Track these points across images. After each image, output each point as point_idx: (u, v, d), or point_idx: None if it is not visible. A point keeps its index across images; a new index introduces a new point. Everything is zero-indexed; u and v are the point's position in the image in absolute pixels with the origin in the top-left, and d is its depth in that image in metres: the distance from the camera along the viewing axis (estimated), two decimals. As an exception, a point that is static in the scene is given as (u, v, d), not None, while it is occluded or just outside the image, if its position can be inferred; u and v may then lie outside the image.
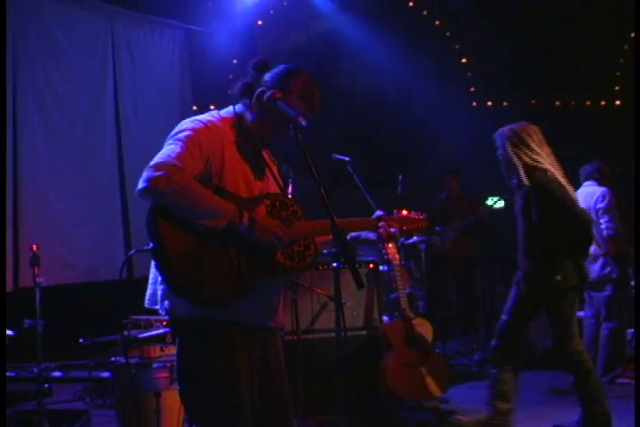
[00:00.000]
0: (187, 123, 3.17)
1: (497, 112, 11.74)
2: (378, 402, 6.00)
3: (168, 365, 4.64)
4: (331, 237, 3.26)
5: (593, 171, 7.31)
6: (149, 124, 9.75)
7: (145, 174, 2.95)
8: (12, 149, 8.27)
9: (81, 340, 5.52)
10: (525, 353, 7.80)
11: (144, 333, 4.92)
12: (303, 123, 3.15)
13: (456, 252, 8.84)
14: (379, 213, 3.56)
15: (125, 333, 4.88)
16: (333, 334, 4.87)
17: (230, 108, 3.33)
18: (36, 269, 4.43)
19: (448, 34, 11.64)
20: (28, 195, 8.41)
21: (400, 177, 7.72)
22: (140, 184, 2.94)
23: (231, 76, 10.13)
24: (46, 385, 4.53)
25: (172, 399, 4.77)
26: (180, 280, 2.96)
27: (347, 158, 6.33)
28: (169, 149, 3.03)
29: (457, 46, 11.71)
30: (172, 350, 4.93)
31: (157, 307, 3.28)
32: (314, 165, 3.12)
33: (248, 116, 3.29)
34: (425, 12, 11.52)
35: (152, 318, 5.20)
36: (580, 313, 7.58)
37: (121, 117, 9.45)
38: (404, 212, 3.62)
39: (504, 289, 9.15)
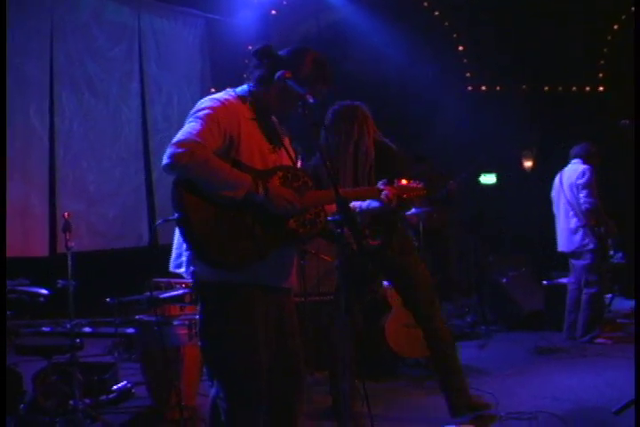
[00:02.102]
0: (205, 101, 3.14)
1: (490, 96, 11.68)
2: (377, 359, 6.00)
3: (187, 322, 4.64)
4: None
5: (580, 150, 7.28)
6: (172, 105, 9.75)
7: (169, 151, 2.93)
8: (48, 126, 8.30)
9: (108, 299, 5.53)
10: (512, 315, 7.90)
11: (165, 293, 4.91)
12: (311, 100, 3.13)
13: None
14: (381, 183, 3.54)
15: (148, 293, 4.87)
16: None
17: (245, 86, 3.30)
18: (67, 234, 4.42)
19: (447, 24, 11.52)
20: (63, 167, 8.44)
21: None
22: (165, 160, 2.93)
23: (246, 61, 10.05)
24: (78, 340, 4.53)
25: (191, 353, 4.80)
26: (203, 247, 2.97)
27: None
28: (190, 127, 3.01)
29: (454, 35, 11.60)
30: (191, 309, 4.96)
31: (182, 271, 3.28)
32: (320, 140, 3.10)
33: (262, 93, 3.26)
34: (426, 4, 11.41)
35: (173, 280, 5.19)
36: (564, 280, 7.60)
37: (146, 98, 9.42)
38: (404, 181, 3.60)
39: (494, 258, 9.20)
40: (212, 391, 3.18)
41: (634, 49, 6.26)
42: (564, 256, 7.40)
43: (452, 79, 11.32)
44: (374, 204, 3.54)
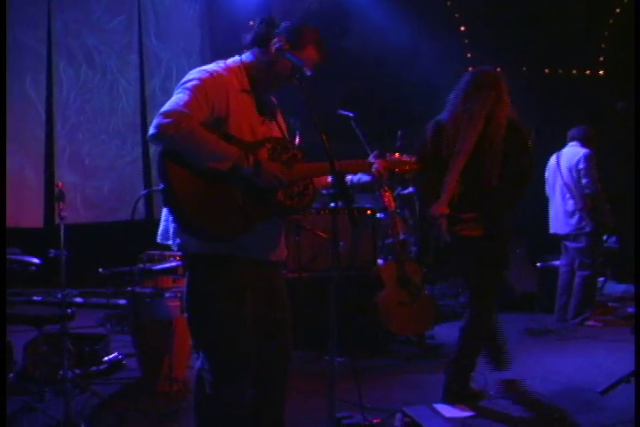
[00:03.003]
0: (193, 73, 3.10)
1: (490, 77, 11.59)
2: (369, 336, 6.01)
3: (179, 295, 4.62)
4: (327, 179, 3.30)
5: (579, 133, 7.24)
6: (171, 78, 9.68)
7: (155, 121, 2.91)
8: (45, 97, 8.24)
9: (100, 270, 5.51)
10: (505, 296, 7.88)
11: (158, 265, 4.89)
12: (308, 72, 3.10)
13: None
14: (372, 156, 3.51)
15: (141, 265, 4.85)
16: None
17: (237, 57, 3.26)
18: (60, 204, 4.39)
19: (449, 3, 11.44)
20: (60, 140, 8.39)
21: (399, 132, 7.66)
22: (151, 130, 2.90)
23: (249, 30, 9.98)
24: (69, 310, 4.51)
25: (182, 326, 4.76)
26: (188, 218, 2.94)
27: (350, 114, 6.28)
28: (177, 98, 2.98)
29: (457, 15, 11.51)
30: (183, 281, 4.94)
31: (169, 242, 3.26)
32: (315, 112, 3.08)
33: (255, 64, 3.21)
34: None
35: (166, 253, 5.17)
36: (556, 262, 7.60)
37: (145, 71, 9.36)
38: (397, 155, 3.57)
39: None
40: (197, 363, 3.17)
41: (634, 34, 6.22)
42: (557, 238, 7.38)
43: (452, 59, 11.25)
44: (365, 177, 3.51)
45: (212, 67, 3.14)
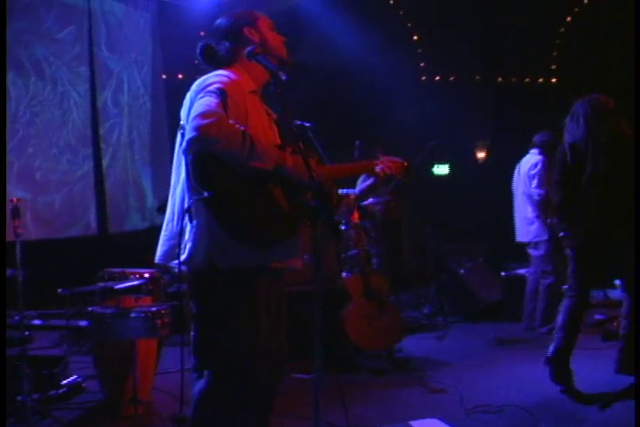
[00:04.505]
0: (211, 77, 2.97)
1: (444, 86, 11.63)
2: (336, 351, 5.83)
3: (143, 315, 4.40)
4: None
5: (539, 140, 7.16)
6: (122, 90, 9.46)
7: (192, 124, 2.75)
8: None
9: (59, 290, 5.23)
10: (470, 306, 7.79)
11: (120, 284, 4.68)
12: (283, 77, 2.95)
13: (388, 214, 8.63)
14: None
15: (102, 284, 4.63)
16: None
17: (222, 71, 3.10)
18: (16, 221, 4.15)
19: (401, 13, 11.41)
20: (7, 154, 8.05)
21: (357, 142, 7.57)
22: (191, 133, 2.74)
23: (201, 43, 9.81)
24: (27, 332, 4.27)
25: (146, 346, 4.59)
26: (239, 223, 2.81)
27: (307, 124, 6.14)
28: (206, 100, 2.83)
29: (409, 24, 11.49)
30: (147, 300, 4.73)
31: (171, 263, 3.06)
32: (293, 119, 2.96)
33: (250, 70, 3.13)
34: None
35: (127, 270, 4.96)
36: (522, 270, 7.53)
37: (96, 83, 9.07)
38: (387, 158, 3.45)
39: (450, 247, 9.11)
40: (200, 384, 3.00)
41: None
42: (521, 246, 7.32)
43: (406, 68, 11.24)
44: (364, 184, 3.41)
45: (224, 72, 3.03)
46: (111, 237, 8.93)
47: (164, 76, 10.31)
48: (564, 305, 5.18)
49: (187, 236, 2.97)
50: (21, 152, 8.16)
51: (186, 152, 2.83)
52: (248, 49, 3.05)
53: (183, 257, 2.97)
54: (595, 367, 5.50)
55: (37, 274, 4.92)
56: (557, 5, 11.34)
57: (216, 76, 2.97)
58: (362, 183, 3.47)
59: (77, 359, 5.72)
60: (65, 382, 5.09)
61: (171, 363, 5.49)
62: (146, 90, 9.94)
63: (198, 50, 3.19)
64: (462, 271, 8.00)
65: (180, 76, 10.27)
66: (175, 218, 3.07)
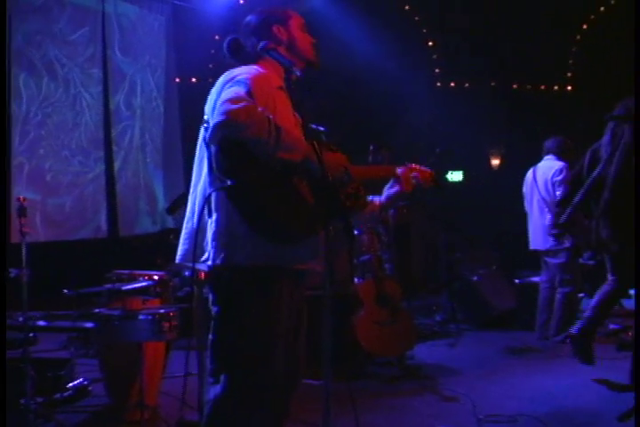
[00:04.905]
0: (240, 69, 2.88)
1: (459, 92, 11.52)
2: (347, 358, 5.71)
3: (151, 317, 4.30)
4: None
5: (554, 146, 7.03)
6: (135, 93, 9.41)
7: (222, 108, 2.63)
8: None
9: (65, 291, 5.12)
10: (483, 314, 7.66)
11: (127, 285, 4.57)
12: (297, 73, 2.85)
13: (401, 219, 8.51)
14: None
15: (109, 285, 4.53)
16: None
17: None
18: (22, 219, 4.06)
19: (417, 18, 11.32)
20: (18, 155, 7.99)
21: (371, 147, 7.47)
22: (218, 117, 2.63)
23: (213, 51, 9.80)
24: (31, 334, 4.17)
25: (153, 349, 4.48)
26: (262, 215, 2.70)
27: (321, 128, 6.05)
28: (236, 88, 2.73)
29: (424, 30, 11.40)
30: (155, 302, 4.63)
31: (192, 263, 2.96)
32: (307, 115, 2.87)
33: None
34: (396, -2, 11.20)
35: (136, 272, 4.86)
36: (536, 278, 7.38)
37: (109, 85, 9.02)
38: (414, 165, 3.32)
39: (463, 255, 8.97)
40: (215, 390, 2.88)
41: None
42: (535, 254, 7.18)
43: (420, 75, 11.14)
44: (391, 191, 3.28)
45: (253, 66, 2.93)
46: (121, 239, 8.85)
47: (177, 80, 10.24)
48: (602, 288, 5.31)
49: (208, 233, 2.86)
50: (32, 153, 8.11)
51: (211, 140, 2.70)
52: (261, 44, 2.95)
53: (204, 256, 2.87)
54: (609, 378, 5.35)
55: (45, 275, 4.84)
56: (574, 13, 11.23)
57: (244, 68, 2.88)
58: (388, 189, 3.33)
59: (84, 362, 5.60)
60: (70, 385, 4.99)
61: (178, 367, 5.38)
62: (159, 93, 9.88)
63: (225, 44, 3.08)
64: (475, 278, 7.86)
65: (194, 80, 10.19)
66: (195, 215, 2.95)
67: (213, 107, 2.74)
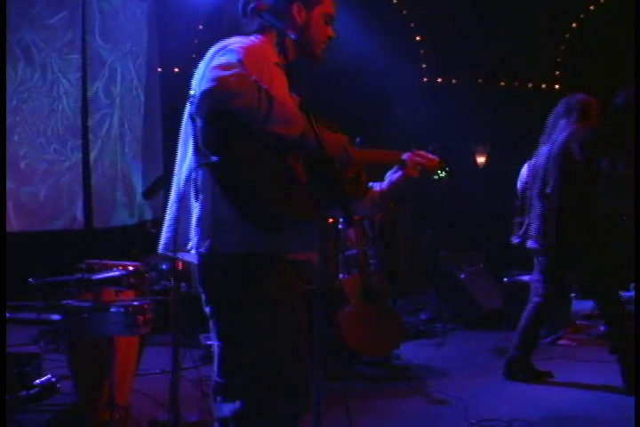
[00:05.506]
0: (233, 39, 2.54)
1: (445, 88, 11.27)
2: (331, 357, 5.39)
3: (123, 309, 3.95)
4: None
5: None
6: (115, 81, 9.03)
7: (212, 74, 2.32)
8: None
9: (31, 279, 4.74)
10: (470, 313, 7.36)
11: (98, 275, 4.22)
12: (292, 36, 2.51)
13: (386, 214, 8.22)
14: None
15: (78, 275, 4.18)
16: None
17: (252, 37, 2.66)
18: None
19: (405, 12, 11.03)
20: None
21: (357, 139, 7.20)
22: (207, 84, 2.31)
23: (196, 41, 9.46)
24: (-8, 327, 3.82)
25: (126, 345, 4.14)
26: (252, 198, 2.36)
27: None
28: (228, 56, 2.40)
29: (412, 24, 11.11)
30: (128, 294, 4.29)
31: (175, 254, 2.60)
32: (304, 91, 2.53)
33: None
34: (384, -9, 10.93)
35: (109, 262, 4.51)
36: (526, 277, 7.09)
37: (87, 72, 8.63)
38: (421, 151, 2.99)
39: (450, 252, 8.69)
40: (233, 407, 2.47)
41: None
42: (524, 252, 6.88)
43: (407, 69, 10.87)
44: (394, 176, 2.91)
45: (245, 37, 2.60)
46: (97, 231, 8.48)
47: (159, 70, 9.88)
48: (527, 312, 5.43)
49: (193, 218, 2.52)
50: (7, 140, 7.71)
51: (198, 110, 2.38)
52: (252, 4, 2.61)
53: (189, 244, 2.52)
54: (604, 381, 5.09)
55: (16, 266, 4.50)
56: (563, 11, 11.03)
57: (238, 38, 2.56)
58: (391, 174, 2.96)
59: (55, 358, 5.26)
60: (37, 382, 4.65)
61: (153, 364, 5.09)
62: (140, 82, 9.50)
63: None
64: (462, 276, 7.56)
65: (176, 70, 9.83)
66: (180, 199, 2.60)
67: (202, 77, 2.41)
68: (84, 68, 8.57)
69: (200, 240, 2.48)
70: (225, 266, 2.46)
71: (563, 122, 5.20)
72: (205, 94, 2.31)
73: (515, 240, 5.70)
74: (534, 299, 5.34)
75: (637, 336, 4.62)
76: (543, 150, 5.30)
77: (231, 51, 2.43)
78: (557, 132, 5.18)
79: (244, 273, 2.45)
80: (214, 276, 2.51)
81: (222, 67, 2.33)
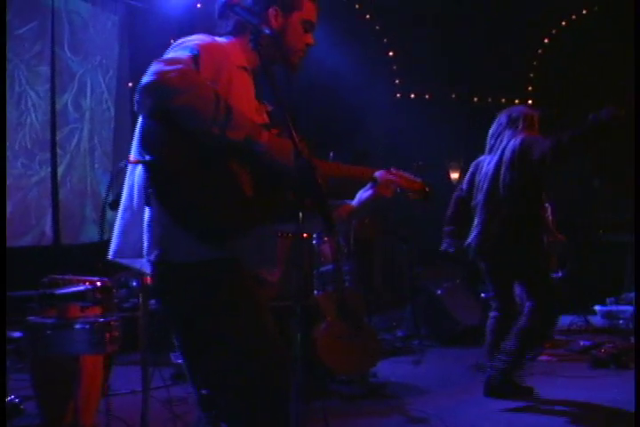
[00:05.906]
0: (192, 36, 2.37)
1: (419, 104, 11.18)
2: (307, 374, 5.19)
3: (88, 326, 3.74)
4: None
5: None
6: (84, 94, 8.79)
7: (153, 68, 2.15)
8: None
9: (-9, 294, 4.51)
10: (448, 329, 7.20)
11: (62, 289, 4.01)
12: (266, 31, 2.34)
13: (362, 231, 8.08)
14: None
15: (42, 290, 3.97)
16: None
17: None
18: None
19: (378, 28, 10.95)
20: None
21: (331, 154, 7.06)
22: (147, 78, 2.13)
23: (168, 55, 9.29)
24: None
25: (92, 363, 3.92)
26: (182, 200, 2.17)
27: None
28: (178, 53, 2.25)
29: (385, 40, 11.03)
30: (94, 310, 4.07)
31: (126, 262, 2.42)
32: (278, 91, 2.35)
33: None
34: (357, 6, 10.82)
35: (74, 277, 4.30)
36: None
37: (56, 84, 8.40)
38: (398, 171, 2.82)
39: (426, 268, 8.54)
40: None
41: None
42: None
43: (380, 84, 10.78)
44: (363, 196, 2.72)
45: (206, 36, 2.43)
46: (64, 246, 8.22)
47: (129, 84, 9.68)
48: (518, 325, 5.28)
49: (145, 221, 2.33)
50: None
51: (138, 107, 2.19)
52: (228, 1, 2.44)
53: (143, 250, 2.34)
54: (589, 397, 4.94)
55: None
56: (535, 27, 11.04)
57: (200, 35, 2.39)
58: (361, 193, 2.77)
59: (20, 378, 5.01)
60: (-1, 402, 4.41)
61: (121, 384, 4.87)
62: (110, 95, 9.28)
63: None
64: (439, 292, 7.41)
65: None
66: (133, 203, 2.42)
67: None
68: (52, 79, 8.34)
69: (150, 247, 2.31)
70: (178, 274, 2.29)
71: (508, 132, 5.28)
72: (144, 89, 2.15)
73: (448, 248, 5.64)
74: (492, 313, 5.41)
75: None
76: (490, 159, 5.36)
77: (185, 47, 2.29)
78: (505, 140, 5.24)
79: (199, 280, 2.27)
80: (167, 285, 2.33)
81: (166, 61, 2.18)
